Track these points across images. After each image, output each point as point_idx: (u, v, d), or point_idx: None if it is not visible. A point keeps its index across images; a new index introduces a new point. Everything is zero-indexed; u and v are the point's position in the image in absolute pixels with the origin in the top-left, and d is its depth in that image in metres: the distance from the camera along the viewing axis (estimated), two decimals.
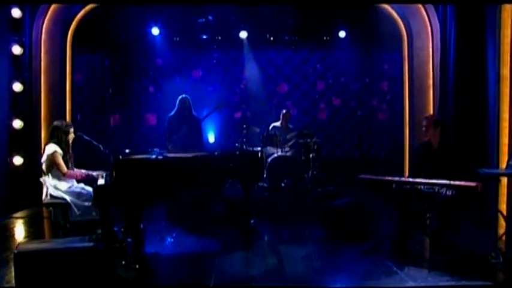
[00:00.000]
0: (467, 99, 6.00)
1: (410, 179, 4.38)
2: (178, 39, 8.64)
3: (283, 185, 6.78)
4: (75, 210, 4.22)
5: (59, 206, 4.27)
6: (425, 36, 7.32)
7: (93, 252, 3.45)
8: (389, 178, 4.43)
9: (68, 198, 4.22)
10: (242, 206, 5.10)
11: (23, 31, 6.67)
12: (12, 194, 6.37)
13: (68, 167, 4.41)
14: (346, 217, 5.00)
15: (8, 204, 6.21)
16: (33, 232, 5.18)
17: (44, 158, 4.39)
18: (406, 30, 7.79)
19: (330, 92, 9.48)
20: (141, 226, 4.19)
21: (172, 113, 6.22)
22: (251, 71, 9.00)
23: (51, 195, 4.29)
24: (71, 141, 4.52)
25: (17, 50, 6.63)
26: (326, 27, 8.85)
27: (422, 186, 4.26)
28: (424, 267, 4.02)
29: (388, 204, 5.41)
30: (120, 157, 4.41)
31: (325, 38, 9.10)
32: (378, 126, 9.49)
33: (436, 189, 4.15)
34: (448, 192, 4.07)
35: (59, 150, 4.35)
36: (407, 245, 4.52)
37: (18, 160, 6.57)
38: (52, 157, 4.32)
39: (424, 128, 4.70)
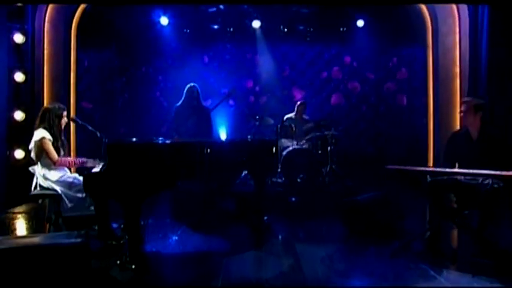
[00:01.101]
0: (503, 88, 5.33)
1: (448, 169, 3.73)
2: (188, 30, 8.09)
3: (299, 179, 6.15)
4: (67, 202, 3.68)
5: (50, 198, 3.73)
6: (451, 20, 6.64)
7: (80, 250, 2.91)
8: (423, 168, 3.80)
9: (58, 189, 3.69)
10: (254, 201, 4.50)
11: (25, 19, 6.22)
12: (13, 188, 5.88)
13: (59, 155, 3.88)
14: (370, 213, 4.37)
15: (8, 199, 5.73)
16: (26, 228, 4.67)
17: (31, 145, 3.87)
18: (430, 15, 7.13)
19: (346, 85, 8.83)
20: (142, 222, 3.65)
21: (180, 102, 5.68)
22: (264, 61, 8.40)
23: (40, 186, 3.77)
24: (63, 126, 3.99)
25: (19, 38, 6.16)
26: (343, 17, 8.20)
27: (462, 177, 3.61)
28: (467, 271, 3.36)
29: (419, 198, 4.82)
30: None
31: (341, 29, 8.46)
32: (398, 119, 8.80)
33: (480, 180, 3.50)
34: (494, 184, 3.42)
35: (48, 136, 3.82)
36: (440, 245, 3.89)
37: (19, 154, 6.08)
38: (40, 144, 3.79)
39: (461, 114, 4.04)
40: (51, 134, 3.87)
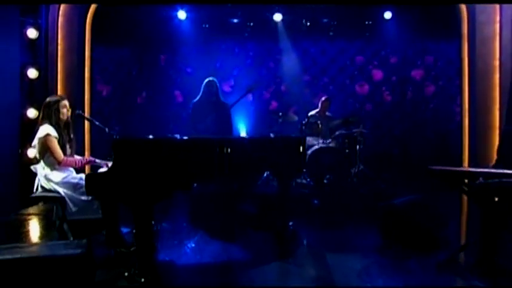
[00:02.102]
0: None
1: (508, 171, 3.13)
2: (207, 25, 7.61)
3: (325, 181, 5.58)
4: (71, 205, 3.23)
5: (52, 201, 3.29)
6: (491, 8, 5.99)
7: (80, 262, 2.46)
8: (476, 170, 3.21)
9: (61, 191, 3.24)
10: (278, 205, 3.98)
11: (39, 13, 5.87)
12: (24, 188, 5.50)
13: (65, 154, 3.43)
14: (410, 219, 3.79)
15: (19, 199, 5.35)
16: (34, 232, 4.24)
17: (34, 141, 3.45)
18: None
19: (371, 81, 8.21)
20: (154, 227, 3.18)
21: (197, 98, 5.21)
22: (286, 56, 7.86)
23: (42, 188, 3.33)
24: (68, 119, 3.53)
25: (32, 33, 5.81)
26: (368, 9, 7.59)
27: None
28: None
29: (463, 202, 4.21)
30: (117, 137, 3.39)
31: (367, 22, 7.85)
32: (428, 116, 8.14)
33: None
34: None
35: (54, 133, 3.38)
36: (495, 258, 3.29)
37: (32, 152, 5.67)
38: (45, 141, 3.36)
39: None
40: (57, 130, 3.43)
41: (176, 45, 7.76)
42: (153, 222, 3.09)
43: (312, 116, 6.09)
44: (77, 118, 3.63)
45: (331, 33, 7.95)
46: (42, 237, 3.77)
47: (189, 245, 3.77)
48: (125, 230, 3.74)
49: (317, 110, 6.40)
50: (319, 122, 5.79)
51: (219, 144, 3.00)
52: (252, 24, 7.70)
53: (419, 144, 8.07)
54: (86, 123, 6.22)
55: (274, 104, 8.05)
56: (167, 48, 7.86)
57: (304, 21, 7.71)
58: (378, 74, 8.25)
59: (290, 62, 8.01)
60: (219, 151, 2.96)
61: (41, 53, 5.87)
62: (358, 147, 5.81)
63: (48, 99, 3.57)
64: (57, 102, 3.48)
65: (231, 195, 4.78)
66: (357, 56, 8.31)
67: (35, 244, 3.06)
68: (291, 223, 4.08)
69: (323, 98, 6.43)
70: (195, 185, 2.92)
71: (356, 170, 5.78)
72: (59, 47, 6.14)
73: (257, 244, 3.83)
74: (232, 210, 4.68)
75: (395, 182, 5.83)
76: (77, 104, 6.01)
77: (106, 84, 7.69)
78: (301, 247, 3.89)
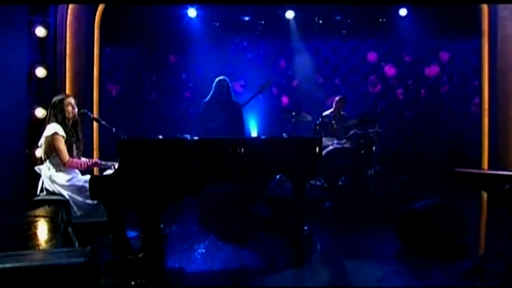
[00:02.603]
0: None
1: None
2: (217, 23, 7.43)
3: (340, 183, 5.34)
4: (75, 209, 3.06)
5: (55, 204, 3.12)
6: None
7: (82, 271, 2.27)
8: (506, 173, 2.97)
9: (65, 193, 3.07)
10: (293, 208, 3.77)
11: (47, 11, 5.74)
12: (32, 189, 5.37)
13: (72, 155, 3.26)
14: (432, 224, 3.55)
15: (27, 200, 5.20)
16: (38, 235, 4.07)
17: (41, 140, 3.29)
18: None
19: (385, 80, 7.95)
20: (163, 231, 3.00)
21: (208, 97, 5.02)
22: (299, 54, 7.64)
23: (46, 190, 3.17)
24: (75, 118, 3.36)
25: (40, 32, 5.67)
26: (383, 5, 7.32)
27: None
28: None
29: (488, 207, 3.96)
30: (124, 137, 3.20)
31: (380, 19, 7.58)
32: (442, 117, 7.85)
33: None
34: None
35: (61, 132, 3.22)
36: None
37: (40, 152, 5.55)
38: (51, 139, 3.19)
39: None
40: (64, 130, 3.26)
41: (186, 44, 7.59)
42: (161, 226, 2.91)
43: (326, 115, 5.86)
44: (83, 117, 3.45)
45: (344, 32, 7.71)
46: (45, 242, 3.60)
47: (199, 250, 3.57)
48: (132, 234, 3.57)
49: (331, 109, 6.17)
50: (333, 121, 5.55)
51: (232, 145, 2.80)
52: (263, 22, 7.50)
53: (433, 145, 7.80)
54: (95, 123, 6.06)
55: (285, 103, 7.85)
56: (177, 47, 7.70)
57: (316, 19, 7.48)
58: (391, 73, 8.00)
59: (302, 61, 7.80)
60: (232, 152, 2.77)
61: (49, 52, 5.73)
62: (374, 147, 5.55)
63: (54, 98, 3.42)
64: (62, 100, 3.32)
65: (243, 197, 4.57)
66: (369, 55, 8.07)
67: (37, 251, 2.88)
68: (306, 227, 3.86)
69: (337, 98, 6.20)
70: (207, 188, 2.68)
71: (372, 172, 5.53)
72: (68, 46, 5.98)
73: (270, 249, 3.62)
74: (244, 212, 4.48)
75: (412, 184, 5.56)
76: (85, 103, 5.85)
77: (115, 84, 7.55)
78: (316, 253, 3.68)
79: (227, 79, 5.00)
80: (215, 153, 2.77)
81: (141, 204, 2.54)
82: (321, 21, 7.54)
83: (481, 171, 3.13)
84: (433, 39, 7.80)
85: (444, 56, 7.88)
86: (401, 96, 7.95)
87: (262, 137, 3.53)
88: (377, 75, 7.98)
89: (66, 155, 3.19)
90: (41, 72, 5.63)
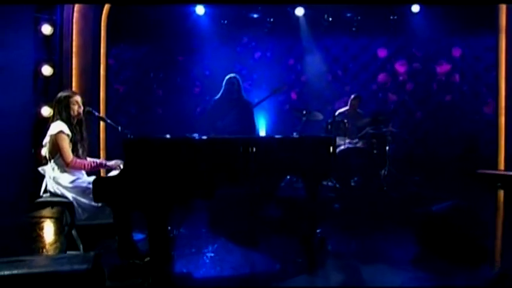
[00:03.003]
0: None
1: None
2: (226, 21, 7.26)
3: (353, 183, 5.15)
4: (80, 211, 2.92)
5: (59, 206, 2.97)
6: None
7: (88, 277, 2.12)
8: None
9: (69, 195, 2.93)
10: (305, 209, 3.59)
11: (53, 9, 5.62)
12: (37, 189, 5.25)
13: (76, 154, 3.12)
14: (452, 228, 3.36)
15: (32, 201, 5.09)
16: (42, 236, 3.93)
17: (46, 139, 3.15)
18: None
19: (396, 80, 7.73)
20: (171, 233, 2.85)
21: (218, 95, 4.85)
22: (307, 52, 7.46)
23: (49, 192, 3.03)
24: (80, 116, 3.22)
25: (47, 29, 5.55)
26: (394, 2, 7.11)
27: None
28: None
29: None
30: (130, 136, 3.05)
31: (392, 17, 7.37)
32: (455, 116, 7.62)
33: None
34: None
35: (67, 130, 3.07)
36: None
37: (44, 151, 5.44)
38: (55, 138, 3.05)
39: None
40: (68, 128, 3.12)
41: (194, 42, 7.43)
42: (169, 228, 2.75)
43: (339, 114, 5.65)
44: (88, 116, 3.30)
45: (353, 29, 7.51)
46: (49, 244, 3.47)
47: (208, 254, 3.41)
48: (139, 236, 3.43)
49: (346, 108, 5.95)
50: (345, 120, 5.35)
51: (243, 145, 2.63)
52: (272, 19, 7.33)
53: (445, 144, 7.57)
54: (102, 122, 5.93)
55: (294, 102, 7.67)
56: (185, 45, 7.53)
57: (326, 16, 7.29)
58: (402, 71, 7.78)
59: (311, 59, 7.61)
60: (243, 152, 2.60)
61: (55, 50, 5.61)
62: (387, 147, 5.34)
63: (59, 94, 3.27)
64: (68, 97, 3.17)
65: (253, 198, 4.40)
66: (380, 53, 7.86)
67: (37, 257, 2.74)
68: (318, 230, 3.68)
69: (352, 96, 5.97)
70: (218, 191, 2.51)
71: (385, 172, 5.33)
72: (74, 44, 5.85)
73: (282, 253, 3.45)
74: (254, 214, 4.31)
75: (426, 184, 5.35)
76: (92, 102, 5.73)
77: (122, 83, 7.42)
78: (330, 257, 3.49)
79: (238, 77, 4.83)
80: (226, 153, 2.61)
81: (147, 208, 2.38)
82: (330, 19, 7.34)
83: (508, 173, 2.93)
84: (445, 36, 7.57)
85: (456, 53, 7.66)
86: (412, 95, 7.74)
87: (276, 136, 3.34)
88: (387, 73, 7.76)
89: (70, 155, 3.04)
90: (47, 70, 5.50)
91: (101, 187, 2.41)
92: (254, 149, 2.61)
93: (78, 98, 3.21)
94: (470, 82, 7.61)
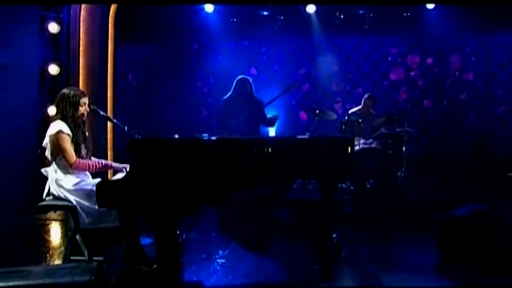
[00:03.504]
0: None
1: None
2: (235, 19, 7.08)
3: (368, 186, 4.93)
4: (83, 216, 2.74)
5: (63, 210, 2.81)
6: None
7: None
8: None
9: (72, 199, 2.75)
10: (319, 213, 3.39)
11: (60, 7, 5.48)
12: (43, 192, 5.10)
13: (79, 155, 2.94)
14: (479, 235, 3.13)
15: (38, 202, 4.94)
16: (48, 239, 3.75)
17: (45, 140, 2.99)
18: None
19: (408, 79, 7.48)
20: (179, 239, 2.67)
21: (228, 94, 4.70)
22: (319, 50, 7.24)
23: (52, 195, 2.86)
24: (84, 117, 3.06)
25: (54, 28, 5.40)
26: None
27: None
28: None
29: None
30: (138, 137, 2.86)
31: (405, 13, 7.12)
32: (469, 116, 7.35)
33: None
34: None
35: (67, 130, 2.90)
36: None
37: (46, 153, 5.28)
38: (56, 138, 2.89)
39: None
40: (70, 127, 2.95)
41: (203, 40, 7.27)
42: (178, 232, 2.57)
43: (353, 113, 5.43)
44: (93, 115, 3.12)
45: (366, 27, 7.28)
46: (52, 250, 3.31)
47: (219, 261, 3.23)
48: (147, 241, 3.25)
49: (359, 107, 5.71)
50: (360, 120, 5.13)
51: (258, 145, 2.44)
52: (282, 17, 7.13)
53: (459, 144, 7.31)
54: (109, 122, 5.76)
55: (305, 101, 7.46)
56: (194, 43, 7.38)
57: (337, 13, 7.07)
58: (415, 70, 7.53)
59: (322, 57, 7.40)
60: (258, 153, 2.40)
61: (62, 49, 5.47)
62: (404, 148, 5.10)
63: (66, 90, 3.09)
64: (78, 96, 3.00)
65: (265, 200, 4.21)
66: (392, 51, 7.62)
67: (38, 267, 2.57)
68: (334, 235, 3.47)
69: (366, 95, 5.73)
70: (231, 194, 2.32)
71: (402, 174, 5.09)
72: (81, 42, 5.68)
73: (296, 260, 3.25)
74: (265, 217, 4.11)
75: (445, 187, 5.11)
76: (100, 101, 5.57)
77: (131, 82, 7.27)
78: (346, 264, 3.28)
79: (249, 78, 4.73)
80: (239, 154, 2.41)
81: (154, 214, 2.20)
82: (342, 16, 7.13)
83: None
84: (459, 33, 7.32)
85: (469, 51, 7.39)
86: (425, 94, 7.48)
87: (293, 136, 3.15)
88: (400, 72, 7.52)
89: (73, 156, 2.86)
90: (53, 69, 5.35)
91: (105, 192, 2.23)
92: (270, 150, 2.41)
93: (86, 100, 3.05)
94: (483, 80, 7.35)
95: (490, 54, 7.25)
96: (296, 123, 7.14)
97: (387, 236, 3.86)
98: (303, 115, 7.37)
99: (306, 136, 3.93)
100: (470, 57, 7.37)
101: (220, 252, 3.39)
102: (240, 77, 4.73)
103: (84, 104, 2.99)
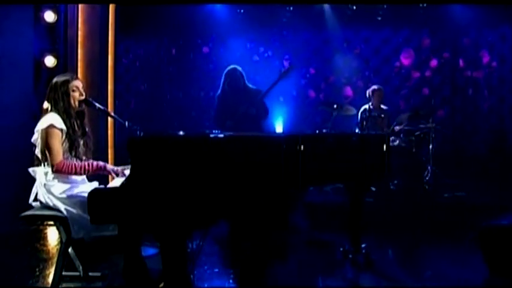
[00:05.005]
0: None
1: None
2: (242, 10, 6.62)
3: (392, 187, 4.44)
4: (76, 228, 2.25)
5: (51, 220, 2.33)
6: None
7: None
8: None
9: (63, 208, 2.26)
10: (350, 220, 2.91)
11: None
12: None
13: (77, 154, 2.46)
14: None
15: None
16: (29, 253, 3.25)
17: (34, 136, 2.52)
18: None
19: (423, 74, 7.01)
20: (189, 248, 2.21)
21: (219, 91, 4.14)
22: (328, 44, 6.80)
23: (40, 202, 2.38)
24: (82, 107, 2.56)
25: (50, 16, 4.97)
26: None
27: None
28: None
29: None
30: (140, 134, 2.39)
31: (421, 4, 6.64)
32: (484, 113, 6.89)
33: None
34: None
35: (59, 124, 2.41)
36: None
37: (37, 151, 4.81)
38: (45, 133, 2.41)
39: None
40: (65, 121, 2.46)
41: (209, 33, 6.81)
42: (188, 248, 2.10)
43: (364, 110, 4.90)
44: (87, 107, 2.62)
45: (379, 18, 6.82)
46: (41, 264, 2.85)
47: (233, 276, 2.75)
48: (149, 251, 2.77)
49: (370, 103, 5.21)
50: (382, 115, 4.63)
51: (288, 142, 1.95)
52: (291, 8, 6.66)
53: (473, 142, 6.84)
54: (109, 119, 5.27)
55: (313, 96, 7.01)
56: (199, 36, 6.92)
57: (349, 4, 6.61)
58: (427, 66, 7.06)
59: (332, 51, 6.96)
60: (288, 153, 1.92)
61: (59, 39, 5.03)
62: (431, 146, 4.61)
63: (54, 79, 2.60)
64: (66, 83, 2.50)
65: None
66: (403, 46, 7.16)
67: None
68: (363, 245, 2.99)
69: (374, 87, 5.18)
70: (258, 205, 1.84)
71: (428, 174, 4.60)
72: (80, 32, 5.23)
73: (320, 273, 2.78)
74: (282, 223, 3.62)
75: (472, 188, 4.63)
76: (100, 96, 5.11)
77: (133, 76, 6.82)
78: (381, 280, 2.81)
79: (239, 68, 4.07)
80: (265, 154, 1.92)
81: (162, 230, 1.73)
82: (354, 7, 6.66)
83: None
84: (474, 28, 6.86)
85: (484, 46, 6.91)
86: (439, 90, 7.02)
87: (328, 133, 2.69)
88: (412, 67, 7.05)
89: (58, 155, 2.35)
90: (50, 61, 4.91)
91: (98, 203, 1.74)
92: (302, 147, 1.93)
93: (78, 83, 2.54)
94: (500, 77, 6.88)
95: (509, 47, 6.78)
96: (304, 99, 6.78)
97: (420, 245, 3.36)
98: (312, 93, 6.96)
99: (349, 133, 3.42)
100: (485, 52, 6.91)
101: (235, 265, 2.91)
102: (227, 68, 4.08)
103: (77, 88, 2.50)
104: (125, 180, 1.82)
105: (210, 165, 1.81)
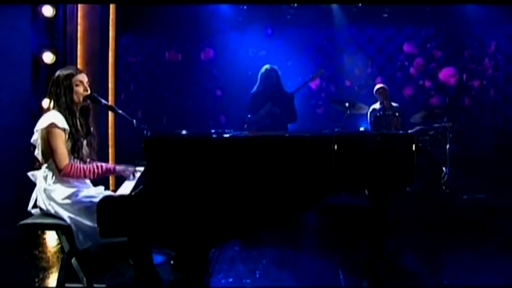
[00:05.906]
0: None
1: None
2: (245, 7, 6.40)
3: (408, 188, 4.22)
4: (81, 237, 2.01)
5: (52, 229, 2.09)
6: None
7: None
8: None
9: (65, 216, 2.02)
10: (373, 223, 2.68)
11: None
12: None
13: (79, 156, 2.21)
14: None
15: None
16: (27, 262, 3.00)
17: (34, 136, 2.27)
18: None
19: (435, 73, 6.82)
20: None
21: (254, 89, 4.25)
22: (333, 41, 6.61)
23: (40, 209, 2.14)
24: (87, 103, 2.30)
25: (48, 11, 4.76)
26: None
27: None
28: None
29: None
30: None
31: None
32: (490, 113, 6.70)
33: None
34: None
35: (62, 123, 2.16)
36: None
37: (37, 153, 4.58)
38: (46, 134, 2.17)
39: None
40: (68, 120, 2.22)
41: (211, 29, 6.56)
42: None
43: (374, 110, 4.68)
44: (92, 103, 2.37)
45: (385, 15, 6.63)
46: (41, 274, 2.60)
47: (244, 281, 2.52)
48: (157, 259, 2.54)
49: (378, 102, 4.99)
50: (397, 114, 4.42)
51: (320, 143, 1.72)
52: (295, 5, 6.46)
53: (478, 141, 6.66)
54: (110, 114, 5.01)
55: (318, 95, 6.82)
56: (200, 33, 6.69)
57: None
58: (434, 64, 6.86)
59: (336, 49, 6.77)
60: (322, 154, 1.69)
61: (58, 34, 4.83)
62: (448, 146, 4.40)
63: (57, 73, 2.33)
64: (70, 77, 2.24)
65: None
66: (407, 44, 6.96)
67: None
68: (386, 252, 2.78)
69: (378, 86, 4.95)
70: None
71: (445, 175, 4.39)
72: (79, 28, 5.02)
73: (342, 283, 2.57)
74: (296, 224, 3.41)
75: (489, 189, 4.44)
76: (100, 93, 4.85)
77: (133, 72, 6.60)
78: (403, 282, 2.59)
79: (275, 67, 4.15)
80: (298, 156, 1.68)
81: (183, 245, 1.49)
82: (360, 4, 6.47)
83: None
84: (480, 25, 6.67)
85: (491, 44, 6.73)
86: (445, 89, 6.82)
87: (361, 132, 2.49)
88: (417, 67, 6.86)
89: (64, 158, 2.11)
90: (48, 57, 4.69)
91: (111, 214, 1.48)
92: (336, 147, 1.70)
93: (83, 77, 2.27)
94: (505, 75, 6.71)
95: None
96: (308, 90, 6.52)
97: (445, 251, 3.13)
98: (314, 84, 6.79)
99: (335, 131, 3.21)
100: (491, 49, 6.72)
101: (252, 272, 2.68)
102: (264, 68, 4.21)
103: (81, 82, 2.24)
104: (142, 186, 1.57)
105: (243, 169, 1.56)
